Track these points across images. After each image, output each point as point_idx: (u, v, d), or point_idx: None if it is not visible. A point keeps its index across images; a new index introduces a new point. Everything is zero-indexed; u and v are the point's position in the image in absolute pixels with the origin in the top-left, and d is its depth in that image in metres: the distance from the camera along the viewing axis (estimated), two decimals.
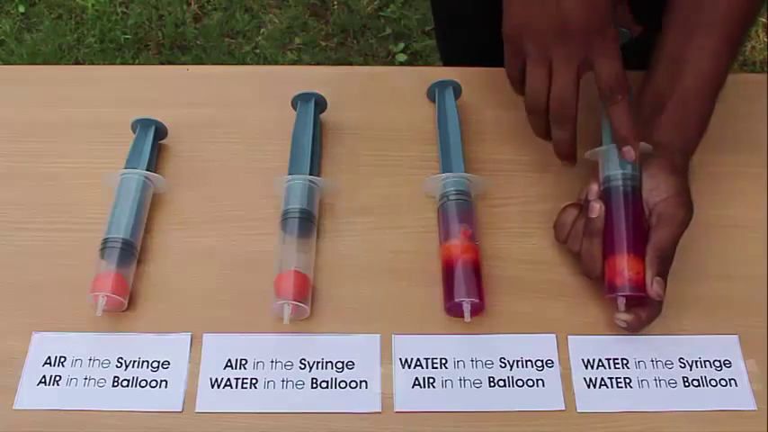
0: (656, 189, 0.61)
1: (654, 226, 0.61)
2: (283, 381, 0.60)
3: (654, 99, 0.65)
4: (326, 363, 0.61)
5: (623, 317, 0.60)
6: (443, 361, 0.61)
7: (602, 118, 0.65)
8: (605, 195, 0.62)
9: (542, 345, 0.62)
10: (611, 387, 0.60)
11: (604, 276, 0.61)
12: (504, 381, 0.60)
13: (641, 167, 0.62)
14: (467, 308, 0.61)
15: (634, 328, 0.61)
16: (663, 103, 0.64)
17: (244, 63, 1.76)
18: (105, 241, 0.64)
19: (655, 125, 0.64)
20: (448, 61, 1.04)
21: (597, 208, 0.61)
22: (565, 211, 0.65)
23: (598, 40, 0.59)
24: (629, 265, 0.59)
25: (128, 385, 0.59)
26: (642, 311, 0.60)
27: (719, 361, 0.61)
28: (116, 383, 0.59)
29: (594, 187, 0.63)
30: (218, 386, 0.59)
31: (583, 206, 0.64)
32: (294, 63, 1.76)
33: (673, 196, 0.61)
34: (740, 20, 0.65)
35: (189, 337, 0.62)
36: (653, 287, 0.59)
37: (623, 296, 0.59)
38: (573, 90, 0.61)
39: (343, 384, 0.60)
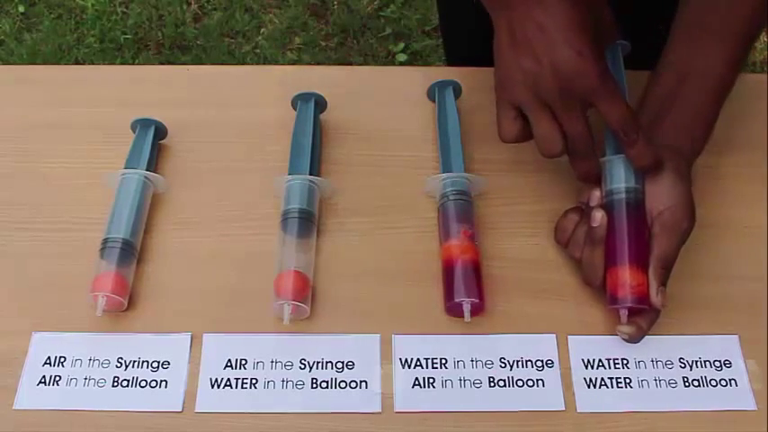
0: (661, 196, 0.61)
1: (657, 234, 0.60)
2: (283, 381, 0.60)
3: (659, 102, 0.65)
4: (326, 363, 0.61)
5: (625, 329, 0.60)
6: (443, 361, 0.61)
7: (606, 128, 0.65)
8: (608, 206, 0.62)
9: (542, 345, 0.62)
10: (611, 387, 0.60)
11: (605, 285, 0.61)
12: (504, 381, 0.60)
13: (644, 178, 0.62)
14: (467, 308, 0.61)
15: (635, 340, 0.61)
16: (668, 107, 0.64)
17: (244, 63, 1.76)
18: (105, 241, 0.64)
19: (659, 129, 0.63)
20: (452, 57, 1.04)
21: (599, 217, 0.60)
22: (566, 217, 0.65)
23: (597, 86, 0.58)
24: (632, 276, 0.59)
25: (128, 385, 0.59)
26: (643, 322, 0.60)
27: (719, 361, 0.61)
28: (116, 383, 0.59)
29: (597, 193, 0.63)
30: (218, 386, 0.59)
31: (584, 212, 0.63)
32: (294, 63, 1.76)
33: (677, 205, 0.61)
34: (749, 26, 0.64)
35: (189, 337, 0.62)
36: (658, 297, 0.59)
37: (625, 308, 0.59)
38: (587, 131, 0.60)
39: (343, 384, 0.60)
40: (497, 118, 0.62)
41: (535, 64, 0.58)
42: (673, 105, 0.64)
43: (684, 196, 0.62)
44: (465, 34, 0.95)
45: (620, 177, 0.62)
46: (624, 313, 0.60)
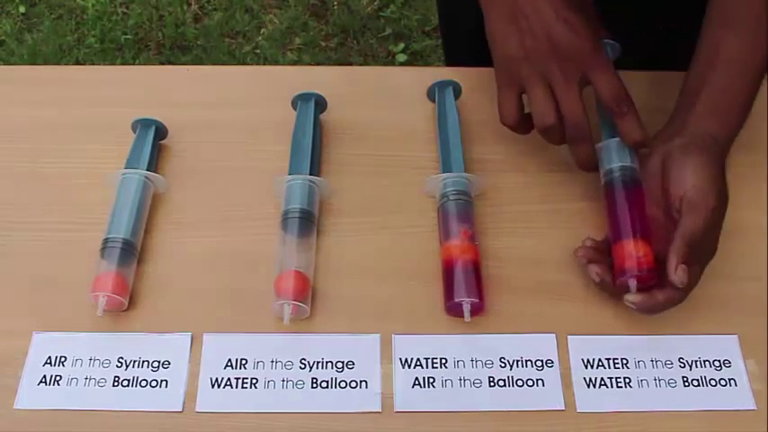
0: (685, 177, 0.61)
1: (683, 213, 0.60)
2: (283, 381, 0.60)
3: (690, 91, 0.65)
4: (326, 363, 0.61)
5: (631, 298, 0.60)
6: (443, 361, 0.61)
7: (600, 114, 0.65)
8: (607, 185, 0.64)
9: (542, 345, 0.62)
10: (611, 387, 0.60)
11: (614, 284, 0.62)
12: (504, 381, 0.60)
13: (639, 159, 0.64)
14: (467, 308, 0.61)
15: (648, 310, 0.60)
16: (698, 94, 0.65)
17: (244, 63, 1.76)
18: (105, 241, 0.64)
19: (691, 116, 0.64)
20: (452, 57, 1.04)
21: (595, 273, 0.61)
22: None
23: (591, 58, 0.62)
24: (637, 247, 0.60)
25: (128, 385, 0.59)
26: (659, 293, 0.59)
27: (719, 361, 0.61)
28: (116, 383, 0.59)
29: (586, 246, 0.63)
30: (219, 386, 0.59)
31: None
32: (294, 63, 1.76)
33: (702, 183, 0.61)
34: None
35: (189, 337, 0.62)
36: (676, 273, 0.58)
37: (633, 277, 0.59)
38: (581, 108, 0.62)
39: (343, 384, 0.60)
40: (498, 101, 0.66)
41: (533, 40, 0.62)
42: (702, 91, 0.64)
43: (710, 177, 0.61)
44: (465, 34, 0.95)
45: (615, 158, 0.64)
46: (633, 283, 0.60)
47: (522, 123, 0.66)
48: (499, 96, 0.66)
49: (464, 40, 0.96)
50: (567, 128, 0.63)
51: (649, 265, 0.60)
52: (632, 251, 0.60)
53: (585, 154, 0.64)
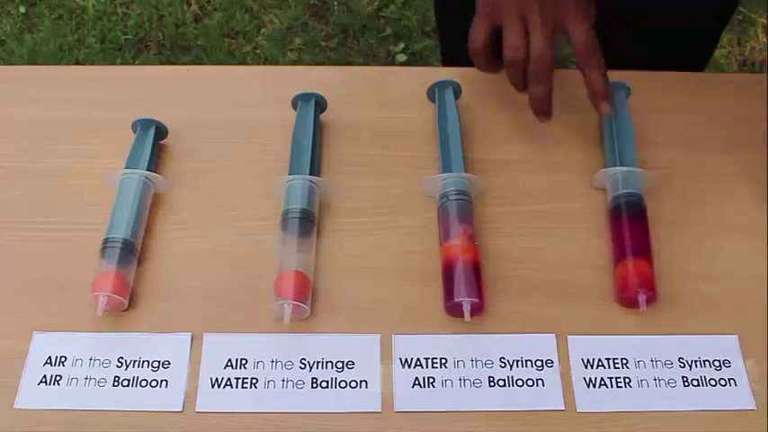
0: None
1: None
2: (283, 381, 0.60)
3: None
4: (326, 363, 0.61)
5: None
6: (443, 361, 0.61)
7: (606, 143, 0.66)
8: (615, 209, 0.66)
9: (542, 345, 0.62)
10: (611, 387, 0.60)
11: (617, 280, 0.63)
12: (504, 380, 0.60)
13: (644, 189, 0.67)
14: (467, 308, 0.61)
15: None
16: None
17: (244, 63, 1.76)
18: (106, 241, 0.64)
19: None
20: (447, 58, 1.04)
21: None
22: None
23: (571, 8, 0.65)
24: (636, 266, 0.62)
25: (128, 385, 0.59)
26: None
27: (719, 361, 0.61)
28: (116, 383, 0.59)
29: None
30: (219, 386, 0.60)
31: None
32: (294, 63, 1.76)
33: None
34: None
35: (189, 337, 0.62)
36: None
37: (643, 293, 0.62)
38: (549, 48, 0.65)
39: (343, 384, 0.60)
40: (471, 28, 0.69)
41: None
42: None
43: None
44: (460, 36, 0.95)
45: (621, 186, 0.66)
46: (642, 297, 0.61)
47: (486, 55, 0.69)
48: (474, 24, 0.68)
49: (460, 42, 0.96)
50: (531, 63, 0.65)
51: (647, 282, 0.62)
52: (632, 270, 0.62)
53: (543, 94, 0.67)
